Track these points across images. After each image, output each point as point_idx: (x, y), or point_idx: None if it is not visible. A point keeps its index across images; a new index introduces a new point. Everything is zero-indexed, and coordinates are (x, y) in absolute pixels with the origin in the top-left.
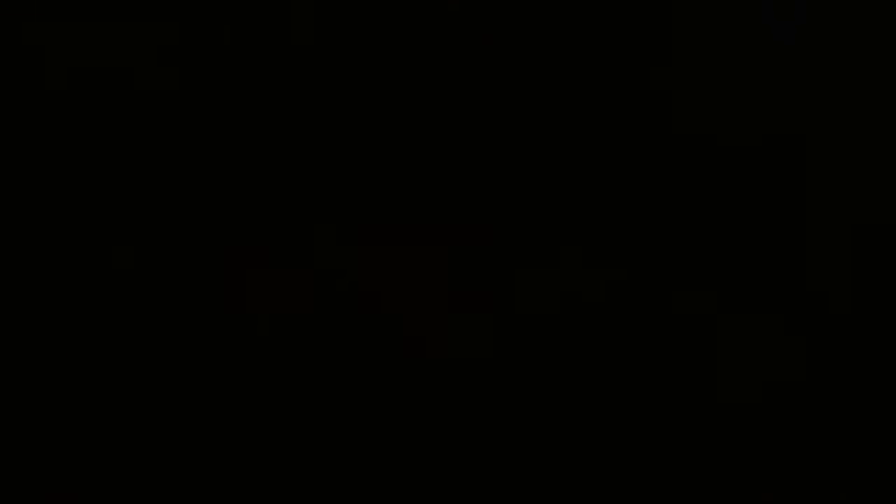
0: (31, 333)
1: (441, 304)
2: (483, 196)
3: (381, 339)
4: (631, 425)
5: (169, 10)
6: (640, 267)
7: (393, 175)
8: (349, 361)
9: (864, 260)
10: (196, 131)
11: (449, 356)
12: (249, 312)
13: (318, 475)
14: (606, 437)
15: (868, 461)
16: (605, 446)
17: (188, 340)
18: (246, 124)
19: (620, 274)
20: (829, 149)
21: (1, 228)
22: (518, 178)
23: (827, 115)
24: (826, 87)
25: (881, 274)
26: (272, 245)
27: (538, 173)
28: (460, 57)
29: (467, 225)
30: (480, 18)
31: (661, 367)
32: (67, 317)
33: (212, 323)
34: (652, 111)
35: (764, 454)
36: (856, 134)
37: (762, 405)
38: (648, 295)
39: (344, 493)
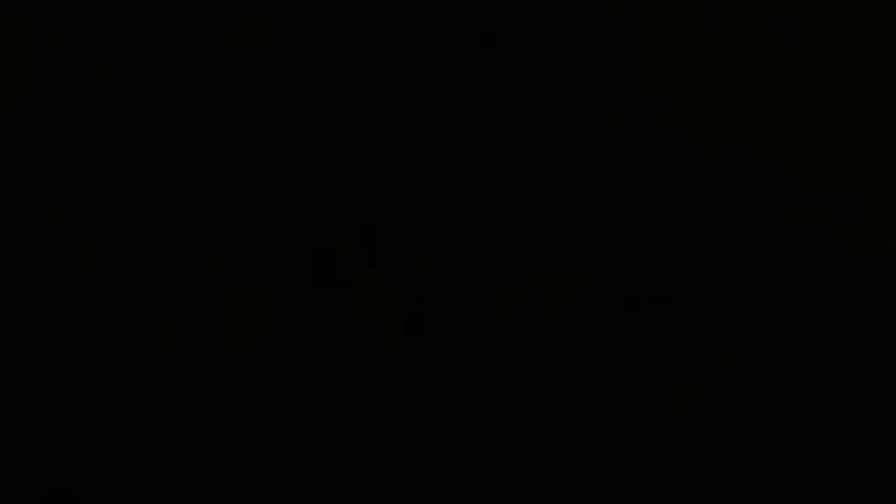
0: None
1: (404, 305)
2: (445, 198)
3: (347, 339)
4: (592, 428)
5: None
6: (604, 271)
7: (356, 176)
8: (318, 363)
9: (843, 270)
10: (170, 139)
11: (410, 356)
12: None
13: (287, 473)
14: (567, 440)
15: (828, 462)
16: (565, 449)
17: (165, 347)
18: (221, 132)
19: (586, 277)
20: (823, 153)
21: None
22: (484, 181)
23: (825, 117)
24: (826, 87)
25: (854, 284)
26: (241, 248)
27: (508, 175)
28: (440, 59)
29: (430, 226)
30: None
31: (621, 371)
32: (35, 322)
33: (183, 334)
34: (644, 112)
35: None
36: (854, 138)
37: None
38: (609, 298)
39: (312, 490)
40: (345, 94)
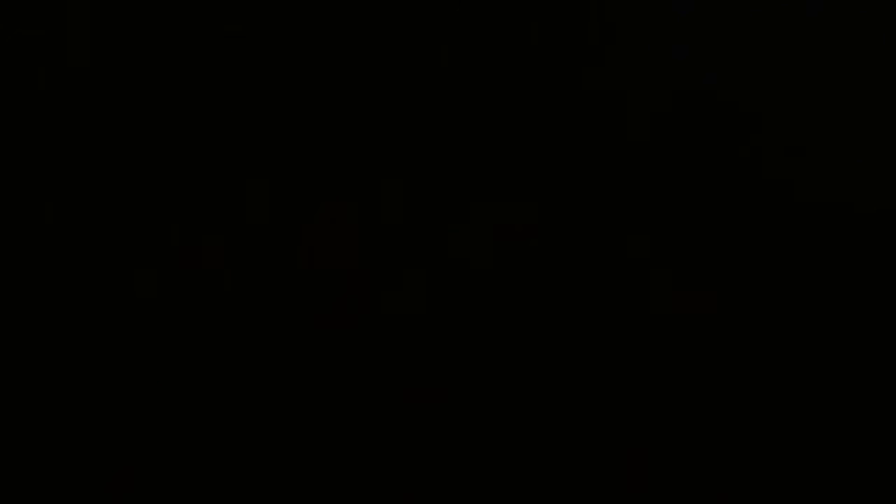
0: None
1: (373, 257)
2: (414, 146)
3: (315, 294)
4: (566, 380)
5: None
6: (575, 215)
7: (317, 127)
8: (283, 318)
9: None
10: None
11: (382, 308)
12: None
13: (251, 444)
14: (539, 391)
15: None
16: (537, 400)
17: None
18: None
19: (555, 222)
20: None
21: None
22: (451, 127)
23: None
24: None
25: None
26: (205, 200)
27: (471, 122)
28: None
29: (397, 176)
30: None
31: (595, 317)
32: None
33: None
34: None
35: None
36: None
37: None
38: (582, 242)
39: (271, 457)
40: (320, 47)
